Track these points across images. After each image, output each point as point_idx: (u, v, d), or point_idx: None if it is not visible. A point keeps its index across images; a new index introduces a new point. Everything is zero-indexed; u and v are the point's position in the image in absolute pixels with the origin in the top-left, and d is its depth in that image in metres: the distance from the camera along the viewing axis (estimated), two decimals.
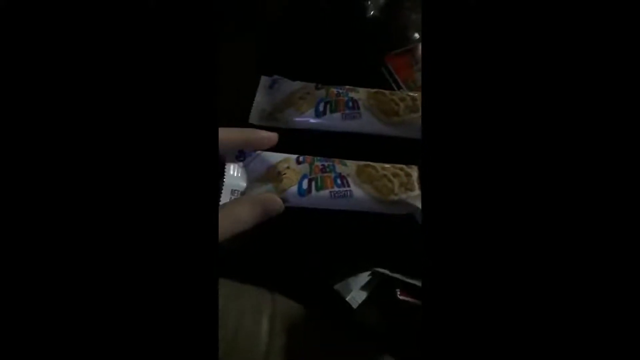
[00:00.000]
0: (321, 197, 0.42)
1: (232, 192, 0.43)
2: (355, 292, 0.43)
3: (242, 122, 0.48)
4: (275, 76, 0.51)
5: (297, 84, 0.50)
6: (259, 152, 0.45)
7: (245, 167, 0.45)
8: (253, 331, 0.41)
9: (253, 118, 0.49)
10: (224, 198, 0.42)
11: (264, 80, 0.51)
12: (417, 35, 0.57)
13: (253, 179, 0.44)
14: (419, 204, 0.43)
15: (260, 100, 0.49)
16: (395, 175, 0.44)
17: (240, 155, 0.45)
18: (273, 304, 0.43)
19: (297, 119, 0.48)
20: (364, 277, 0.43)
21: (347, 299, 0.43)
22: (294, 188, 0.43)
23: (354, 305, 0.42)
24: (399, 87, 0.53)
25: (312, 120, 0.48)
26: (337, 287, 0.43)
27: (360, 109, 0.48)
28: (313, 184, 0.43)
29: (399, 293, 0.42)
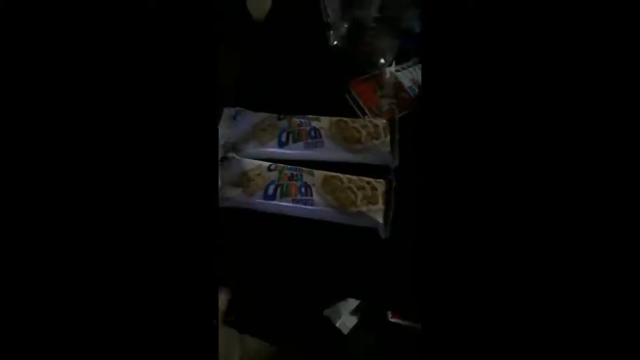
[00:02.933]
0: (284, 203, 0.44)
1: None
2: (345, 317, 0.43)
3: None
4: (238, 108, 0.51)
5: (260, 116, 0.51)
6: (237, 158, 0.47)
7: (222, 171, 0.47)
8: None
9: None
10: None
11: (227, 112, 0.51)
12: (382, 61, 0.58)
13: (226, 182, 0.46)
14: (380, 218, 0.43)
15: (224, 132, 0.50)
16: (360, 188, 0.45)
17: (222, 160, 0.47)
18: (242, 346, 0.43)
19: (260, 149, 0.49)
20: (353, 302, 0.43)
21: (337, 325, 0.42)
22: (260, 193, 0.45)
23: (345, 331, 0.42)
24: (364, 113, 0.54)
25: (275, 151, 0.48)
26: (326, 313, 0.43)
27: (322, 138, 0.48)
28: (278, 190, 0.45)
29: (390, 316, 0.41)
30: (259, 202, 0.45)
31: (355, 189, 0.45)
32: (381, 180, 0.46)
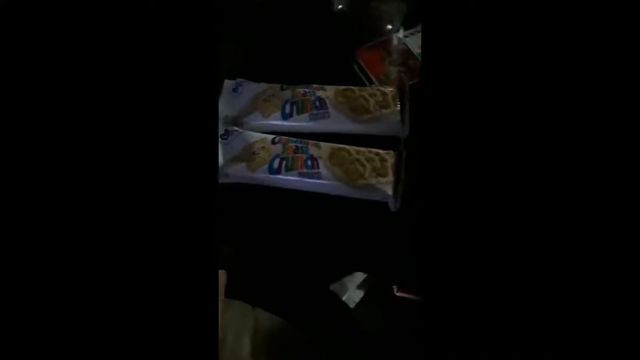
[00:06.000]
0: (290, 176, 0.43)
1: None
2: (352, 292, 0.42)
3: None
4: (239, 79, 0.49)
5: (262, 86, 0.48)
6: (240, 130, 0.46)
7: (225, 145, 0.45)
8: (235, 352, 0.40)
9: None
10: None
11: (227, 84, 0.49)
12: (389, 27, 0.55)
13: (230, 157, 0.45)
14: (389, 190, 0.42)
15: (224, 105, 0.47)
16: (369, 160, 0.43)
17: (225, 134, 0.46)
18: (255, 322, 0.42)
19: (262, 122, 0.46)
20: (360, 276, 0.42)
21: (343, 299, 0.42)
22: (265, 167, 0.43)
23: (351, 305, 0.41)
24: (371, 83, 0.51)
25: (278, 123, 0.46)
26: (332, 287, 0.42)
27: (328, 108, 0.46)
28: (284, 163, 0.43)
29: (396, 290, 0.40)
30: (263, 176, 0.43)
31: (364, 161, 0.43)
32: (391, 151, 0.44)
